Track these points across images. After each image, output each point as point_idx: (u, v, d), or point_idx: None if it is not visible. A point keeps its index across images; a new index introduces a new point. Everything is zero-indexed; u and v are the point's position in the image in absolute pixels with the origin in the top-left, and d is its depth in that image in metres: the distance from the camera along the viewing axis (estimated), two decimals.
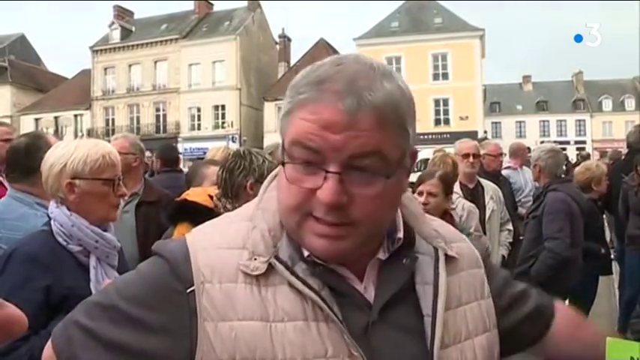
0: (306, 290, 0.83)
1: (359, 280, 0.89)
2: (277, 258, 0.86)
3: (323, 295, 0.84)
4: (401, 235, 0.91)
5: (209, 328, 0.83)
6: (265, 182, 0.97)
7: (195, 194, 2.58)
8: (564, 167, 12.13)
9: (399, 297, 0.88)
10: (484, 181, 4.59)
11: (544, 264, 3.89)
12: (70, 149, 1.82)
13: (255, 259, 0.85)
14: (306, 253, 0.87)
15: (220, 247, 0.88)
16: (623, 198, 5.07)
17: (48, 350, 0.93)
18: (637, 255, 4.79)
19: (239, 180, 2.43)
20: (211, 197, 2.50)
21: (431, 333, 0.87)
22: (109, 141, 2.14)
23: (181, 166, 6.05)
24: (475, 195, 4.35)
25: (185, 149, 34.22)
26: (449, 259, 0.94)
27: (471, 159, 4.45)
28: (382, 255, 0.90)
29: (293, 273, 0.85)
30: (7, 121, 27.01)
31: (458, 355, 0.89)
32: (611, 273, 5.10)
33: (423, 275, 0.91)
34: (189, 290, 0.84)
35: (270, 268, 0.85)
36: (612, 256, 5.12)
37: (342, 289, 0.87)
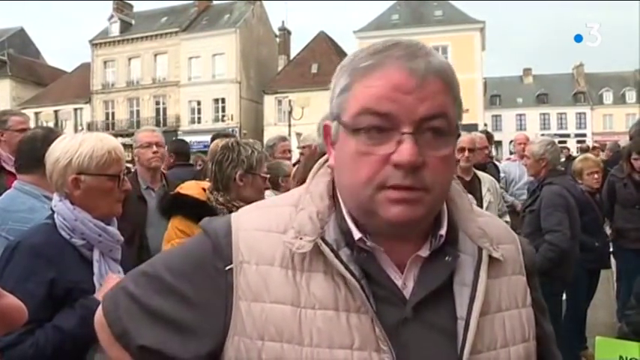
0: (347, 275, 0.83)
1: (400, 274, 0.88)
2: (323, 240, 0.86)
3: (362, 283, 0.84)
4: (444, 232, 0.89)
5: (242, 307, 0.86)
6: (315, 167, 0.98)
7: (189, 187, 2.60)
8: (565, 159, 12.17)
9: (436, 296, 0.86)
10: (481, 174, 4.57)
11: (544, 257, 3.89)
12: (75, 144, 1.81)
13: (301, 239, 0.86)
14: (357, 236, 0.86)
15: (260, 230, 0.90)
16: (609, 191, 5.04)
17: (98, 313, 0.98)
18: (629, 249, 4.79)
19: (228, 172, 2.45)
20: (205, 190, 2.52)
21: (462, 337, 0.84)
22: (115, 135, 2.14)
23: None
24: (472, 187, 4.34)
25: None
26: (492, 260, 0.91)
27: (466, 153, 4.45)
28: (424, 252, 0.88)
29: (337, 257, 0.85)
30: None
31: None
32: (609, 267, 5.10)
33: (462, 275, 0.88)
34: (227, 268, 0.88)
35: (314, 249, 0.85)
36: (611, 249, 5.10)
37: (381, 280, 0.86)
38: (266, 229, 0.90)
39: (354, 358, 0.81)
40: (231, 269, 0.87)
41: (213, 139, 5.20)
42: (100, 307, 0.99)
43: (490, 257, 0.90)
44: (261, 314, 0.84)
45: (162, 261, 0.97)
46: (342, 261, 0.85)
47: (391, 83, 0.81)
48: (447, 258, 0.89)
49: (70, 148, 1.80)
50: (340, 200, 0.91)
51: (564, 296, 4.84)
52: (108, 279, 1.72)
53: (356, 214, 0.88)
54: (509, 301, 0.91)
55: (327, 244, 0.86)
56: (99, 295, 1.67)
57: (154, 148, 3.50)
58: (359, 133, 0.83)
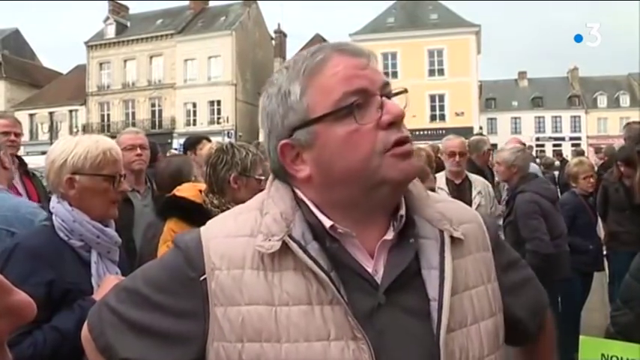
0: (315, 269, 0.86)
1: (371, 260, 0.92)
2: (290, 237, 0.89)
3: (332, 276, 0.87)
4: (403, 212, 0.94)
5: (219, 313, 0.89)
6: (271, 176, 1.01)
7: (185, 190, 2.59)
8: (560, 163, 12.25)
9: (406, 280, 0.90)
10: (474, 177, 4.56)
11: (532, 266, 3.89)
12: (71, 145, 1.83)
13: (270, 240, 0.89)
14: (328, 224, 0.90)
15: (229, 236, 0.94)
16: (603, 194, 5.10)
17: (84, 328, 1.04)
18: (621, 252, 4.83)
19: (222, 174, 2.44)
20: (201, 192, 2.53)
21: (437, 317, 0.88)
22: (110, 137, 2.16)
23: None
24: (461, 190, 4.35)
25: (180, 145, 34.09)
26: (455, 241, 0.95)
27: (457, 157, 4.41)
28: (389, 235, 0.92)
29: (305, 252, 0.88)
30: None
31: (464, 340, 0.90)
32: (603, 269, 5.14)
33: (428, 259, 0.92)
34: (201, 278, 0.91)
35: (283, 248, 0.88)
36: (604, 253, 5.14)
37: (352, 269, 0.90)
38: (234, 235, 0.94)
39: (331, 348, 0.84)
40: (205, 278, 0.91)
41: (185, 143, 5.19)
42: (85, 322, 1.04)
43: (452, 238, 0.94)
44: (238, 317, 0.87)
45: (141, 275, 1.02)
46: (309, 255, 0.88)
47: (350, 64, 0.90)
48: (410, 240, 0.93)
49: (65, 148, 1.82)
50: (305, 197, 0.94)
51: (558, 298, 4.87)
52: (106, 280, 1.73)
53: (353, 198, 0.91)
54: (475, 279, 0.96)
55: (294, 240, 0.89)
56: (97, 297, 1.67)
57: (138, 151, 3.47)
58: (342, 117, 0.88)
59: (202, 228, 0.98)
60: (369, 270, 0.91)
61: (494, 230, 1.05)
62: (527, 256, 3.92)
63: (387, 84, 0.92)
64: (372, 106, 0.89)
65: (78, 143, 1.83)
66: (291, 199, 0.95)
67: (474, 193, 4.39)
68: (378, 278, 0.90)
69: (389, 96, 0.92)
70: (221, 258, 0.91)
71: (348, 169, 0.89)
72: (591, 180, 4.80)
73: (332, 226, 0.90)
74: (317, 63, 0.91)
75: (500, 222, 4.65)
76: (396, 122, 0.89)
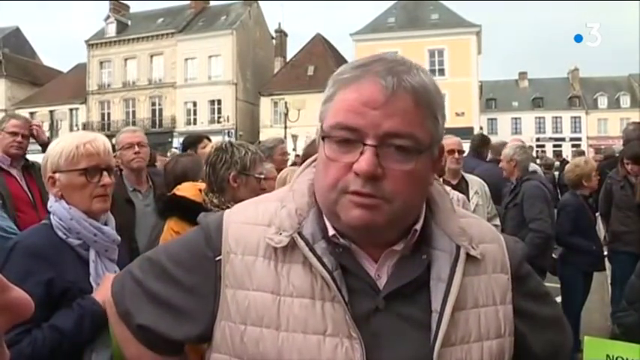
0: (319, 267, 0.89)
1: (375, 264, 0.94)
2: (300, 234, 0.93)
3: (335, 275, 0.89)
4: (419, 227, 0.94)
5: (228, 294, 0.94)
6: (301, 167, 1.05)
7: (185, 189, 2.59)
8: (559, 164, 12.27)
9: (411, 289, 0.92)
10: (470, 177, 4.54)
11: (531, 244, 4.19)
12: (53, 144, 1.83)
13: (281, 234, 0.93)
14: (331, 232, 0.92)
15: (248, 223, 0.98)
16: (606, 193, 5.11)
17: (108, 293, 1.11)
18: (624, 252, 4.83)
19: (222, 173, 2.44)
20: (201, 191, 2.52)
21: (436, 329, 0.89)
22: (110, 136, 2.14)
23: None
24: (459, 191, 4.32)
25: (180, 143, 34.05)
26: (472, 258, 0.95)
27: (456, 155, 4.41)
28: (398, 246, 0.93)
29: (311, 249, 0.91)
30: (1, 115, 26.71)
31: (463, 355, 0.91)
32: (604, 269, 5.14)
33: (438, 271, 0.93)
34: (217, 258, 0.96)
35: (292, 243, 0.92)
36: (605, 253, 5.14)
37: (355, 272, 0.92)
38: (253, 223, 0.97)
39: (325, 343, 0.88)
40: (220, 259, 0.96)
41: (184, 142, 5.19)
42: (110, 288, 1.11)
43: (468, 255, 0.95)
44: (245, 300, 0.92)
45: (164, 249, 1.09)
46: (315, 253, 0.91)
47: (362, 98, 0.86)
48: (423, 256, 0.95)
49: (50, 148, 1.83)
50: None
51: (559, 299, 4.87)
52: (106, 279, 1.72)
53: (325, 214, 0.95)
54: (486, 298, 0.96)
55: (303, 238, 0.92)
56: (97, 296, 1.67)
57: (136, 149, 3.46)
58: (331, 141, 0.90)
59: (226, 211, 1.03)
60: (372, 274, 0.93)
61: (518, 257, 1.03)
62: (529, 236, 4.26)
63: (393, 135, 0.86)
64: (359, 146, 0.87)
65: (59, 142, 1.83)
66: (310, 196, 0.97)
67: (471, 193, 4.37)
68: (381, 284, 0.92)
69: (391, 145, 0.86)
70: (237, 243, 0.95)
71: (319, 186, 0.93)
72: (599, 177, 4.93)
73: (334, 235, 0.93)
74: (346, 79, 0.90)
75: (497, 222, 4.66)
76: (361, 176, 0.86)
